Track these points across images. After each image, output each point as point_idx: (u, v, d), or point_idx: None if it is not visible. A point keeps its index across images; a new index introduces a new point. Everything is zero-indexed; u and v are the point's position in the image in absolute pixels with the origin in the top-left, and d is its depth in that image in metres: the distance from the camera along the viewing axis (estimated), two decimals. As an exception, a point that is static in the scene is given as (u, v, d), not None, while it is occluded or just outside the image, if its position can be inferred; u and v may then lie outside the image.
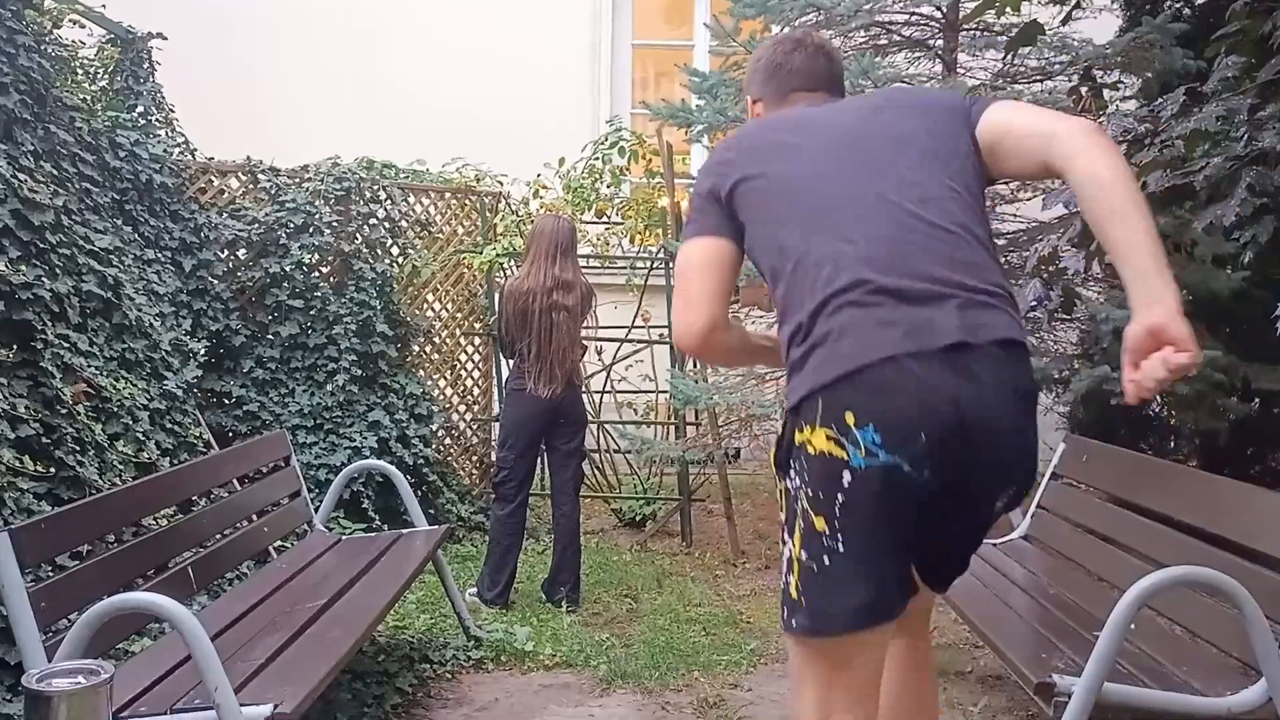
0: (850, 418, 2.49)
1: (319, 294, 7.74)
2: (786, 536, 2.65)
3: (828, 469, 2.53)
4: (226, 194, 7.82)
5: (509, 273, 8.57)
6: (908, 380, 2.47)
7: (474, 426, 9.11)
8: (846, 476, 2.51)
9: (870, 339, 2.51)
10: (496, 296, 8.64)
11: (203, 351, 7.09)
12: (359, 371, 7.80)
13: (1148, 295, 2.40)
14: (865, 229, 2.61)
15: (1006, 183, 8.10)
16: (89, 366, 5.77)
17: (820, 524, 2.55)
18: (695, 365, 8.43)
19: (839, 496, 2.52)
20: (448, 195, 8.91)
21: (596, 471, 8.96)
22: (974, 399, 2.50)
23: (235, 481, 5.98)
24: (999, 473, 2.64)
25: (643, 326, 8.95)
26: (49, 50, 6.48)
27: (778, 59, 3.12)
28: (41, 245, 5.68)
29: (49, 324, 5.55)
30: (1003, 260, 7.73)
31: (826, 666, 2.61)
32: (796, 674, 2.69)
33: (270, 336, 7.69)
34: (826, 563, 2.55)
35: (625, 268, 8.88)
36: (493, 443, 8.74)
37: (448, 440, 8.95)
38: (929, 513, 2.59)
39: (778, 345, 2.74)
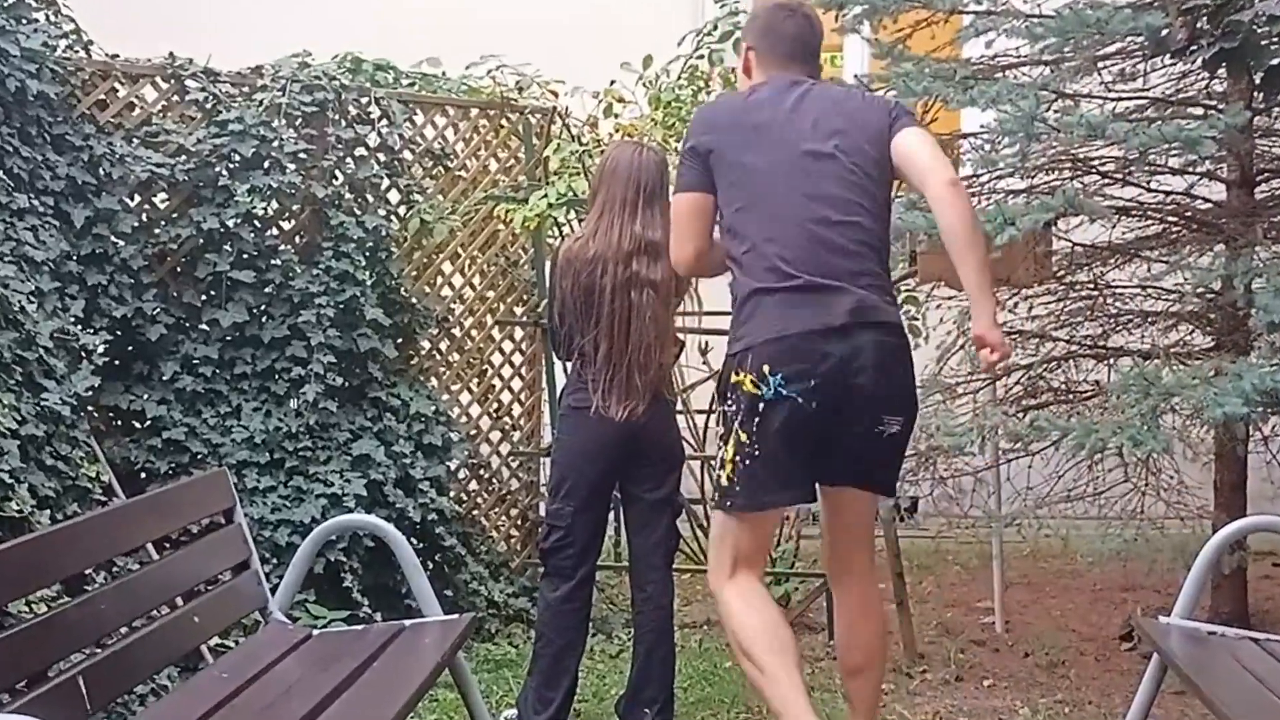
0: (767, 368, 5.23)
1: (279, 262, 7.75)
2: (722, 444, 5.48)
3: (751, 401, 5.27)
4: (138, 110, 7.80)
5: (571, 230, 8.53)
6: (809, 346, 5.23)
7: (514, 464, 9.10)
8: (761, 406, 5.25)
9: (789, 318, 5.25)
10: (548, 266, 8.58)
11: (102, 349, 7.08)
12: (339, 380, 7.78)
13: (975, 314, 5.37)
14: (796, 235, 5.34)
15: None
16: (-71, 371, 5.79)
17: (744, 437, 5.32)
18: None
19: (756, 419, 5.27)
20: (474, 113, 8.90)
21: (698, 533, 8.89)
22: (851, 358, 5.24)
23: (150, 547, 5.97)
24: (875, 402, 5.34)
25: (770, 312, 8.87)
26: None
27: (774, 23, 5.77)
28: None
29: None
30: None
31: (746, 529, 5.51)
32: (719, 536, 5.58)
33: (204, 327, 7.69)
34: (748, 464, 5.34)
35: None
36: (542, 489, 8.71)
37: (474, 485, 8.95)
38: (829, 432, 5.34)
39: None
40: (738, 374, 5.33)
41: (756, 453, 5.32)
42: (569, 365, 6.78)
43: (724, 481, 5.45)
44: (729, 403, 5.40)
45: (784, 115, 5.54)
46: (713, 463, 8.74)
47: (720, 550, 5.56)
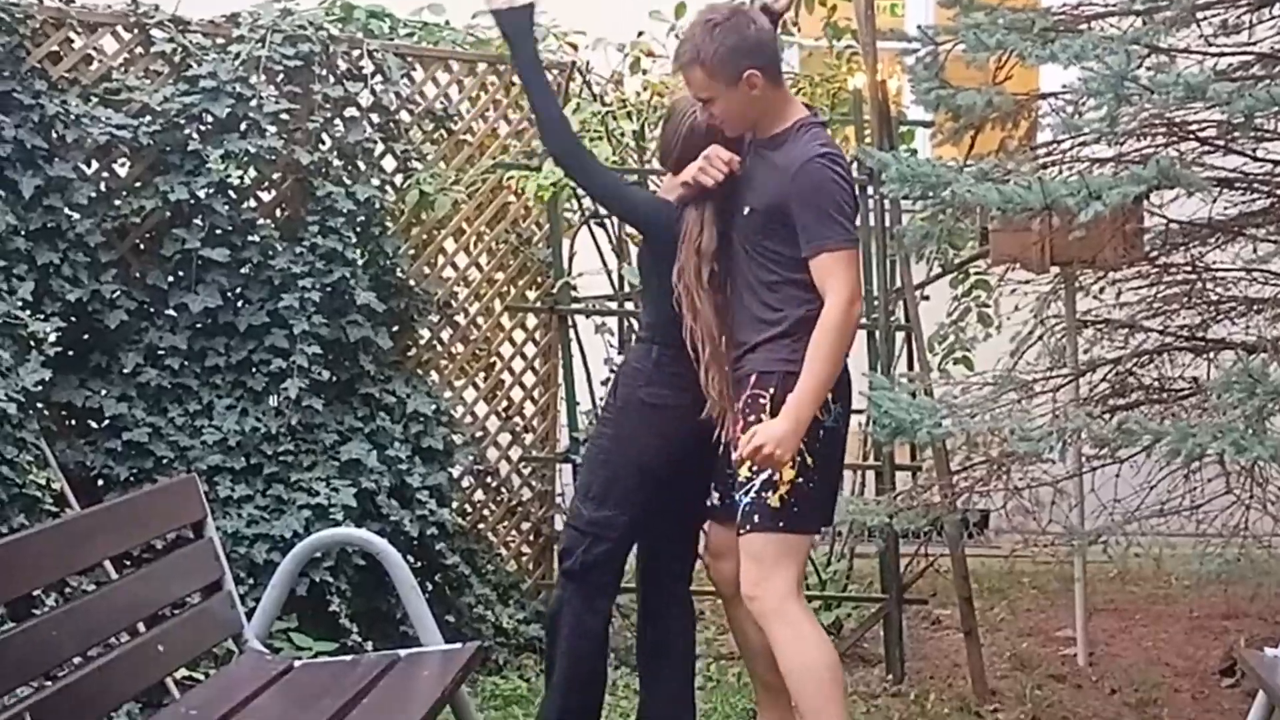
0: (830, 396, 5.98)
1: (257, 239, 7.76)
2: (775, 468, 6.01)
3: (815, 425, 5.91)
4: (97, 64, 7.77)
5: (588, 203, 8.54)
6: (848, 382, 6.23)
7: (525, 471, 9.13)
8: (822, 432, 6.00)
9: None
10: (567, 245, 8.59)
11: (54, 338, 7.08)
12: (326, 374, 7.78)
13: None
14: None
15: None
16: None
17: (809, 460, 5.96)
18: (914, 363, 8.40)
19: (816, 443, 5.98)
20: (482, 68, 8.90)
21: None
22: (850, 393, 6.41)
23: (108, 564, 5.97)
24: None
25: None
26: None
27: (764, 33, 6.07)
28: None
29: None
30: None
31: (799, 552, 6.21)
32: (779, 555, 6.04)
33: (171, 313, 7.69)
34: (811, 486, 6.02)
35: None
36: (559, 500, 8.81)
37: (480, 495, 8.98)
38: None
39: None
40: None
41: (815, 476, 6.05)
42: (651, 352, 6.52)
43: (775, 503, 6.01)
44: None
45: None
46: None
47: (784, 569, 6.08)
